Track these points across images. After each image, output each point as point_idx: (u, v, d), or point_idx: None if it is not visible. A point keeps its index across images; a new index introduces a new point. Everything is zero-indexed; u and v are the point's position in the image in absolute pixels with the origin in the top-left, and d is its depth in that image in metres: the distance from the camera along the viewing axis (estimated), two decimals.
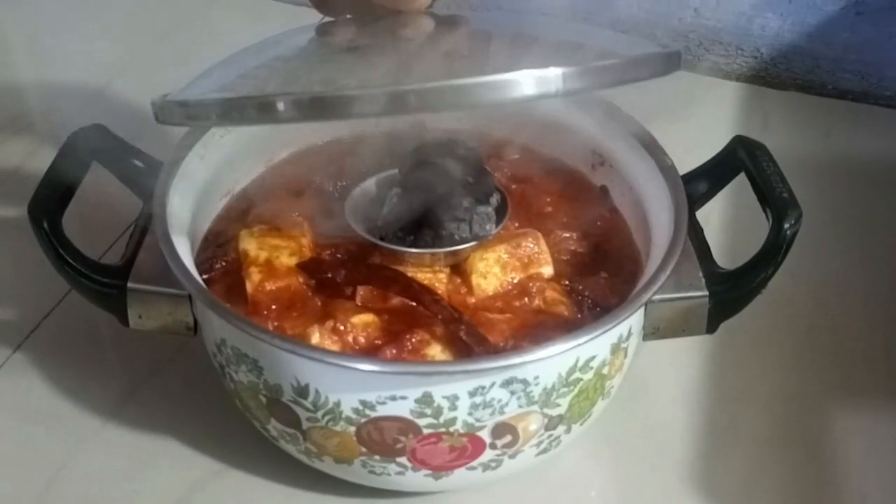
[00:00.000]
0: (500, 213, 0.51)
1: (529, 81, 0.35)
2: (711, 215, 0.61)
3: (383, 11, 0.44)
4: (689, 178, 0.52)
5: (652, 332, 0.48)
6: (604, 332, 0.42)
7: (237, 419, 0.49)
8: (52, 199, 0.47)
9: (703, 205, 0.53)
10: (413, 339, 0.45)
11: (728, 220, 0.66)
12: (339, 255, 0.51)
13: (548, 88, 0.36)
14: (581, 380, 0.44)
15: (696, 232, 0.50)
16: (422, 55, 0.42)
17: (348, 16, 0.47)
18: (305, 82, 0.41)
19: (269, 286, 0.48)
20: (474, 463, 0.45)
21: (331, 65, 0.44)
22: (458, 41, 0.45)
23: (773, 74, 0.85)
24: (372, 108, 0.36)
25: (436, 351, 0.45)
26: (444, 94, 0.35)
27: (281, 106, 0.36)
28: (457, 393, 0.41)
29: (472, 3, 0.91)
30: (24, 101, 0.81)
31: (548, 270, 0.50)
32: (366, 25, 0.46)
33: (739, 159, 0.51)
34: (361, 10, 0.46)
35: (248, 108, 0.38)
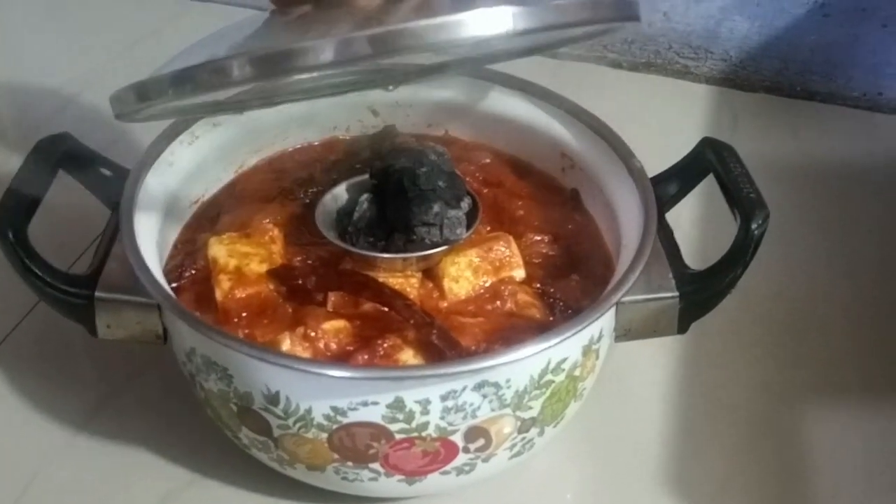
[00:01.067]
0: (472, 217, 0.51)
1: (479, 21, 0.35)
2: (681, 216, 0.61)
3: None
4: (659, 179, 0.53)
5: (623, 333, 0.48)
6: (574, 334, 0.42)
7: (209, 429, 0.49)
8: (17, 209, 0.47)
9: (672, 206, 0.53)
10: (385, 345, 0.45)
11: (698, 221, 0.66)
12: (309, 262, 0.50)
13: (498, 29, 0.35)
14: (553, 382, 0.44)
15: (665, 233, 0.50)
16: (376, 16, 0.40)
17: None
18: (259, 48, 0.38)
19: (239, 293, 0.48)
20: (448, 467, 0.45)
21: (285, 33, 0.43)
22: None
23: (741, 77, 0.86)
24: (324, 57, 0.34)
25: (408, 356, 0.45)
26: (395, 38, 0.34)
27: (234, 67, 0.35)
28: (428, 397, 0.41)
29: None
30: None
31: (519, 274, 0.50)
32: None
33: (707, 161, 0.52)
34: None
35: (201, 74, 0.36)
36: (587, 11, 0.38)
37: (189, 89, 0.37)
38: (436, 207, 0.48)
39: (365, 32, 0.35)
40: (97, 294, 0.46)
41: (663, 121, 0.79)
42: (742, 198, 0.48)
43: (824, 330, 0.61)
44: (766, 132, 0.79)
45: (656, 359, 0.58)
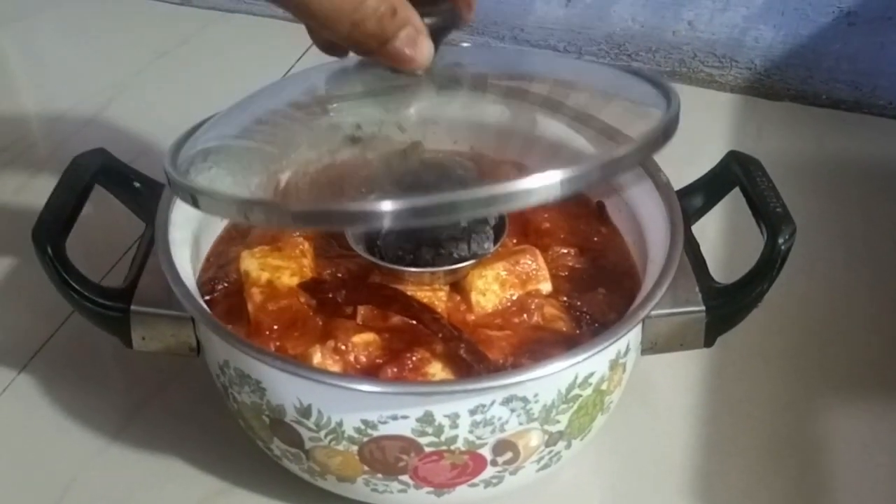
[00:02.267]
0: (498, 230, 0.51)
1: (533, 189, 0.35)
2: (707, 229, 0.62)
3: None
4: (685, 193, 0.53)
5: (650, 346, 0.48)
6: (602, 349, 0.43)
7: (240, 438, 0.50)
8: (55, 224, 0.48)
9: (698, 219, 0.54)
10: (413, 358, 0.45)
11: (724, 233, 0.66)
12: (339, 275, 0.51)
13: (548, 195, 0.36)
14: (580, 396, 0.44)
15: (692, 247, 0.51)
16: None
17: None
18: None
19: (271, 306, 0.49)
20: (476, 480, 0.45)
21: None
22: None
23: (766, 85, 0.86)
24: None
25: (436, 369, 0.45)
26: (449, 207, 0.35)
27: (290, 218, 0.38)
28: (457, 411, 0.42)
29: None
30: (24, 125, 0.81)
31: (546, 287, 0.50)
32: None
33: (734, 174, 0.52)
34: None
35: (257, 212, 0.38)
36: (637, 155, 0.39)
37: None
38: (463, 222, 0.49)
39: (419, 202, 0.35)
40: (133, 307, 0.47)
41: (687, 130, 0.78)
42: (769, 212, 0.48)
43: (850, 341, 0.61)
44: (791, 141, 0.79)
45: (681, 371, 0.58)
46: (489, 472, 0.45)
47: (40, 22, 0.96)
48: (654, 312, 0.46)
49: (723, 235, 0.66)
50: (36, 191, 0.67)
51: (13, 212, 0.71)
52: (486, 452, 0.44)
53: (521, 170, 0.58)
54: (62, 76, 0.88)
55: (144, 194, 0.53)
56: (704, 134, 0.79)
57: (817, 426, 0.55)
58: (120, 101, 0.82)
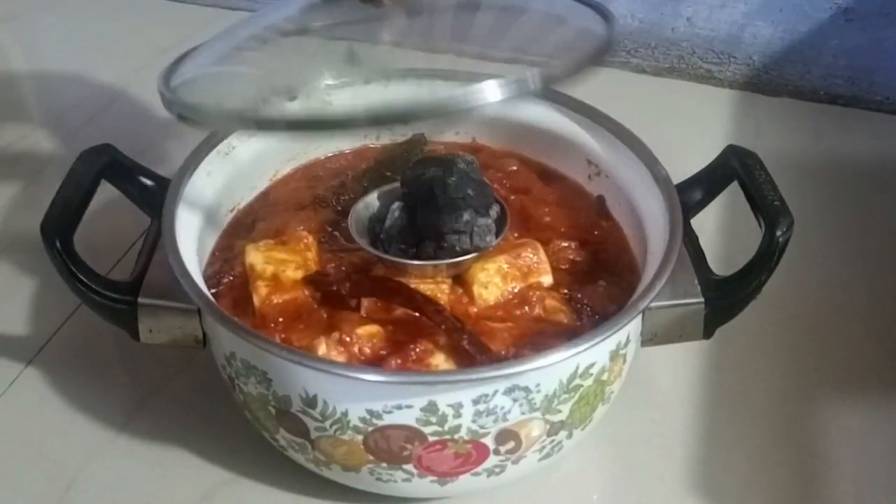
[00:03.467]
0: (500, 224, 0.52)
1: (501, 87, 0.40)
2: (706, 221, 0.62)
3: None
4: (684, 186, 0.54)
5: (650, 338, 0.49)
6: (603, 340, 0.44)
7: (246, 429, 0.51)
8: (63, 218, 0.48)
9: (697, 212, 0.54)
10: (417, 349, 0.46)
11: (723, 227, 0.67)
12: (343, 268, 0.52)
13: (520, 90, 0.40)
14: (581, 386, 0.45)
15: (691, 240, 0.51)
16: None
17: None
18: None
19: (276, 299, 0.49)
20: (479, 469, 0.46)
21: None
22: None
23: (764, 81, 0.86)
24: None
25: (439, 360, 0.46)
26: (420, 111, 0.42)
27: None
28: (461, 401, 0.42)
29: None
30: (32, 119, 0.82)
31: (547, 280, 0.51)
32: None
33: (732, 168, 0.53)
34: None
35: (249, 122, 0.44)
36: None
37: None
38: (466, 215, 0.50)
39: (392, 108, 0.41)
40: (140, 300, 0.48)
41: (687, 125, 0.80)
42: (767, 205, 0.49)
43: (847, 333, 0.61)
44: (789, 136, 0.80)
45: (682, 362, 0.58)
46: (492, 461, 0.46)
47: (45, 18, 0.97)
48: (653, 304, 0.46)
49: (721, 229, 0.67)
50: (43, 185, 0.68)
51: (21, 206, 0.71)
52: (488, 441, 0.44)
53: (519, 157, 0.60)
54: (67, 72, 0.88)
55: (150, 189, 0.54)
56: (703, 129, 0.80)
57: (815, 418, 0.56)
58: (126, 96, 0.83)
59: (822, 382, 0.58)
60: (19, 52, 0.95)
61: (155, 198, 0.52)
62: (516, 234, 0.54)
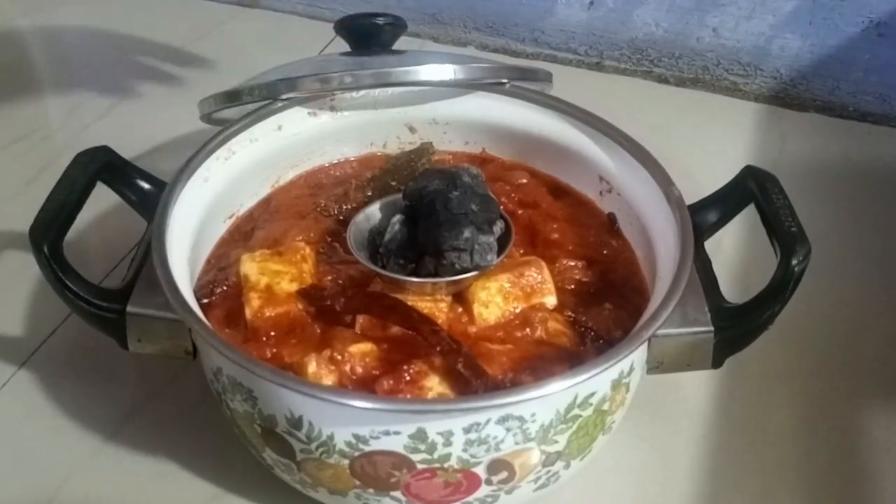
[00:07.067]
0: (504, 240, 0.50)
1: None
2: (723, 241, 0.60)
3: None
4: (699, 207, 0.51)
5: (655, 366, 0.47)
6: (604, 370, 0.41)
7: (235, 444, 0.49)
8: (53, 222, 0.47)
9: (712, 234, 0.52)
10: (411, 370, 0.44)
11: (739, 246, 0.64)
12: (340, 282, 0.50)
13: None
14: (580, 416, 0.43)
15: (703, 264, 0.49)
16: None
17: None
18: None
19: (269, 312, 0.48)
20: (470, 498, 0.44)
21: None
22: None
23: (792, 95, 0.84)
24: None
25: (433, 382, 0.44)
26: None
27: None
28: (451, 429, 0.40)
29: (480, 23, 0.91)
30: (30, 121, 0.81)
31: (551, 301, 0.49)
32: None
33: (749, 190, 0.50)
34: None
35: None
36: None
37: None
38: (466, 232, 0.48)
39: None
40: (128, 309, 0.46)
41: (709, 138, 0.78)
42: (783, 231, 0.47)
43: (866, 362, 0.59)
44: (816, 153, 0.77)
45: (688, 390, 0.56)
46: (483, 490, 0.44)
47: (61, 16, 0.96)
48: (660, 331, 0.44)
49: (740, 249, 0.64)
50: (40, 188, 0.67)
51: (23, 203, 0.70)
52: (480, 471, 0.42)
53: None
54: (81, 69, 0.88)
55: (149, 193, 0.52)
56: (726, 143, 0.77)
57: (830, 450, 0.53)
58: (133, 97, 0.82)
59: (837, 416, 0.55)
60: (36, 47, 0.94)
61: (152, 202, 0.51)
62: (521, 251, 0.52)
